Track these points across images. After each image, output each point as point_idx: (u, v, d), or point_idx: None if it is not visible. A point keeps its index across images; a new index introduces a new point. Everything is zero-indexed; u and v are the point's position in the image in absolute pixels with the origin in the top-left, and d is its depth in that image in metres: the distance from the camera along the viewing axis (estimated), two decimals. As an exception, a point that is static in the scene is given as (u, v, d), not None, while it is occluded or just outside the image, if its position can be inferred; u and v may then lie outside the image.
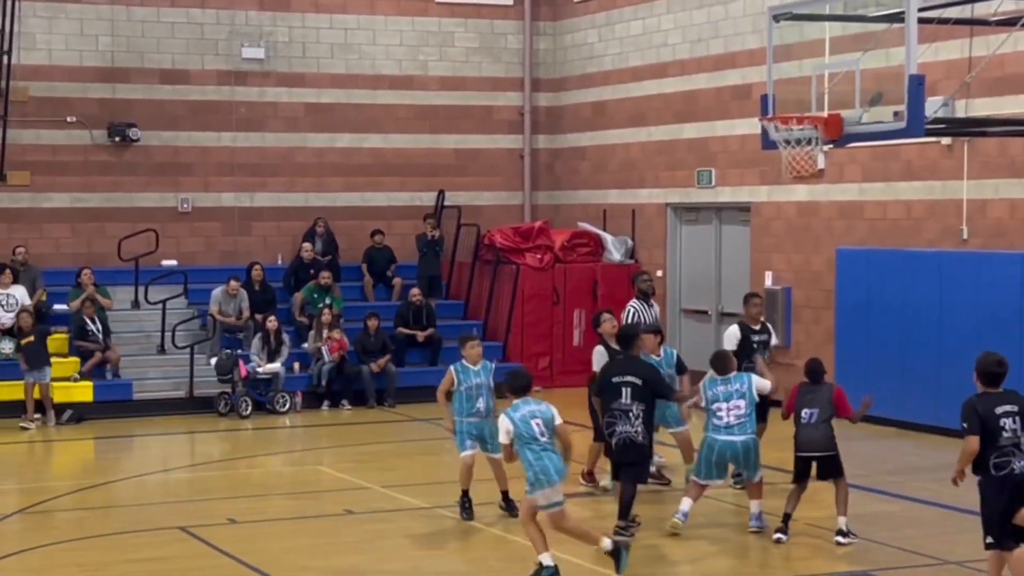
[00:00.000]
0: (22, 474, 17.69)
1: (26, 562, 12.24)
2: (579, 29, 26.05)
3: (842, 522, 12.89)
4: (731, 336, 15.41)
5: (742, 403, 13.10)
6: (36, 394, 20.23)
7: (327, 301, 22.96)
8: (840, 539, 12.83)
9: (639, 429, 12.89)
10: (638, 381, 12.97)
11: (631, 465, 13.07)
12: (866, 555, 12.63)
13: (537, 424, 11.30)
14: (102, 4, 24.00)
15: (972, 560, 11.77)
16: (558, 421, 11.43)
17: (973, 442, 10.18)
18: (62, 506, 15.05)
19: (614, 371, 13.23)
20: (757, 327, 15.52)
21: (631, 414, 12.89)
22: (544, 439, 11.29)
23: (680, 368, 14.94)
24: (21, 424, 20.07)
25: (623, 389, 12.97)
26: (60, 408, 20.55)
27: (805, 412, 12.97)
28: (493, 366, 13.88)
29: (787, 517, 13.03)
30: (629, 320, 15.74)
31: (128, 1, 24.11)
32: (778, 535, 12.97)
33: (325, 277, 23.32)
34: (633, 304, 16.16)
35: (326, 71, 25.34)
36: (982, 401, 10.28)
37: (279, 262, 24.77)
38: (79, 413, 20.70)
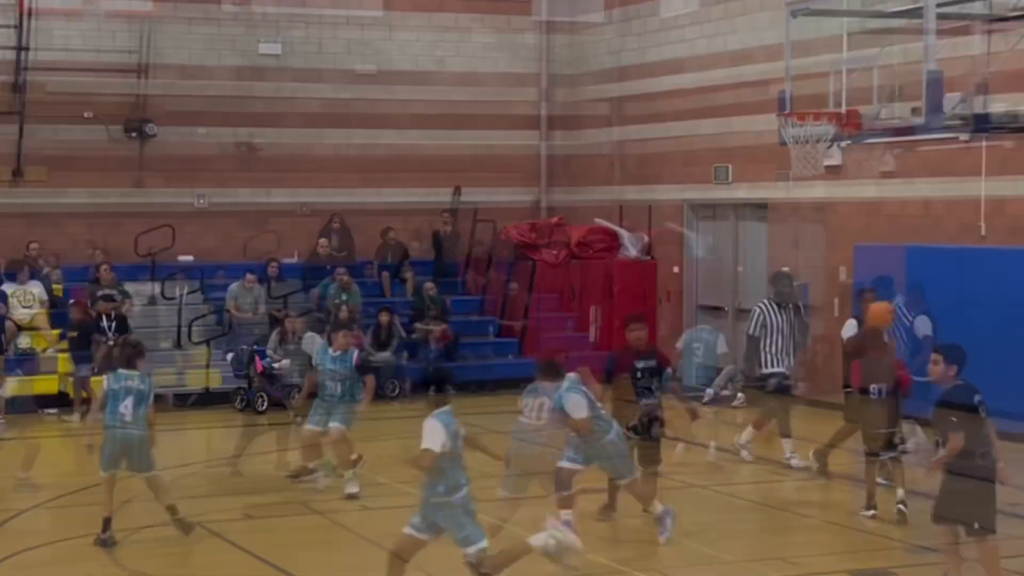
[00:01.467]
0: (42, 468, 17.70)
1: (46, 556, 12.27)
2: (596, 25, 25.99)
3: (901, 493, 13.21)
4: (852, 328, 15.83)
5: None
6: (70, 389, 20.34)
7: (344, 298, 22.95)
8: (902, 507, 13.16)
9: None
10: None
11: None
12: (885, 553, 12.59)
13: None
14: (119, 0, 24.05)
15: (990, 557, 11.70)
16: None
17: None
18: (80, 501, 15.05)
19: None
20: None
21: None
22: None
23: (361, 370, 14.99)
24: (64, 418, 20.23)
25: None
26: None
27: (873, 387, 13.31)
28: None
29: (871, 494, 13.38)
30: (754, 321, 15.66)
31: (146, -3, 24.21)
32: (872, 512, 13.32)
33: (342, 273, 23.32)
34: (761, 304, 15.88)
35: (342, 67, 25.34)
36: None
37: (295, 258, 24.78)
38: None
